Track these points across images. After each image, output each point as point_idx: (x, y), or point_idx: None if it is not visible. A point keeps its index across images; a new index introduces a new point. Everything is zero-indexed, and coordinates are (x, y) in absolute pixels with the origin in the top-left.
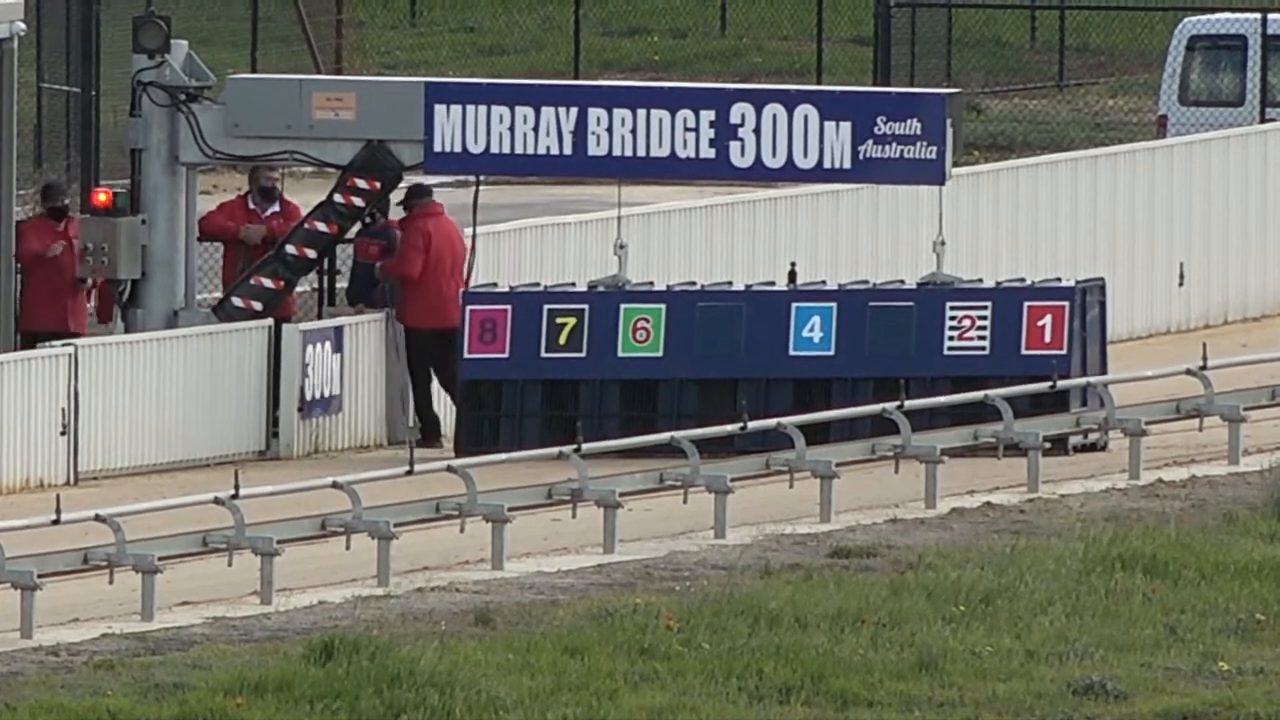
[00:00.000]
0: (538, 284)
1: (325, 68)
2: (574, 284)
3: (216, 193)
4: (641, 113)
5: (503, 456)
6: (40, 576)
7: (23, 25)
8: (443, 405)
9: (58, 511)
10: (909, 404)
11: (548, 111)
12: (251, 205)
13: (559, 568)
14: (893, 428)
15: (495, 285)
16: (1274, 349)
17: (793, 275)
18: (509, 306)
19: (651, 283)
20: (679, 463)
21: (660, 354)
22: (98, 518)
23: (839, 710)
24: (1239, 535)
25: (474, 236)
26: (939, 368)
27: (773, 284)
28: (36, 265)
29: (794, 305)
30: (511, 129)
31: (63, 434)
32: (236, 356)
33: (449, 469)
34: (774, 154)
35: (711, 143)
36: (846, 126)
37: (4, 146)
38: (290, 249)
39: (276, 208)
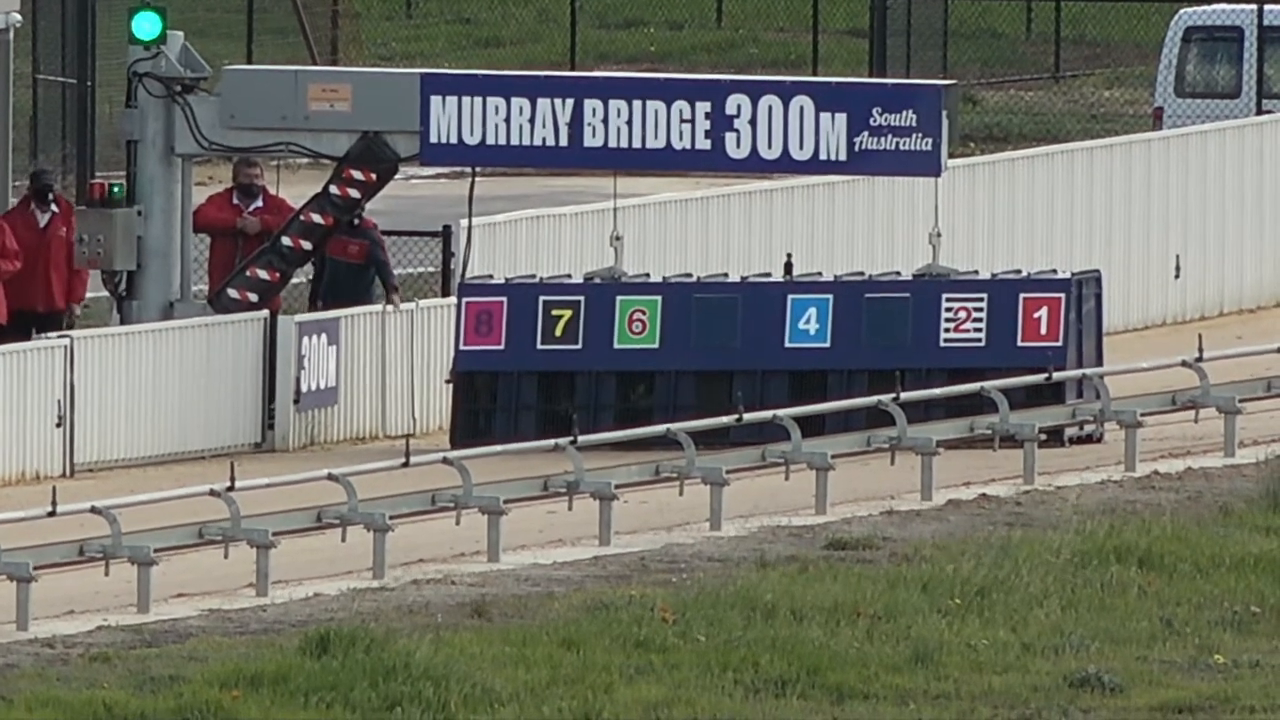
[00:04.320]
0: (533, 276)
1: (321, 59)
2: (570, 276)
3: (212, 184)
4: (637, 104)
5: (499, 449)
6: (36, 568)
7: (18, 16)
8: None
9: (53, 503)
10: (905, 396)
11: (543, 103)
12: (235, 201)
13: (555, 560)
14: (888, 420)
15: (491, 277)
16: (1270, 341)
17: (789, 267)
18: (504, 298)
19: (647, 274)
20: (675, 455)
21: (656, 345)
22: (94, 510)
23: (835, 703)
24: (1234, 528)
25: (469, 228)
26: (935, 360)
27: (769, 275)
28: None
29: (790, 297)
30: (507, 120)
31: (58, 426)
32: (232, 348)
33: (445, 461)
34: (770, 145)
35: (707, 134)
36: (842, 118)
37: (0, 138)
38: (286, 241)
39: (259, 203)
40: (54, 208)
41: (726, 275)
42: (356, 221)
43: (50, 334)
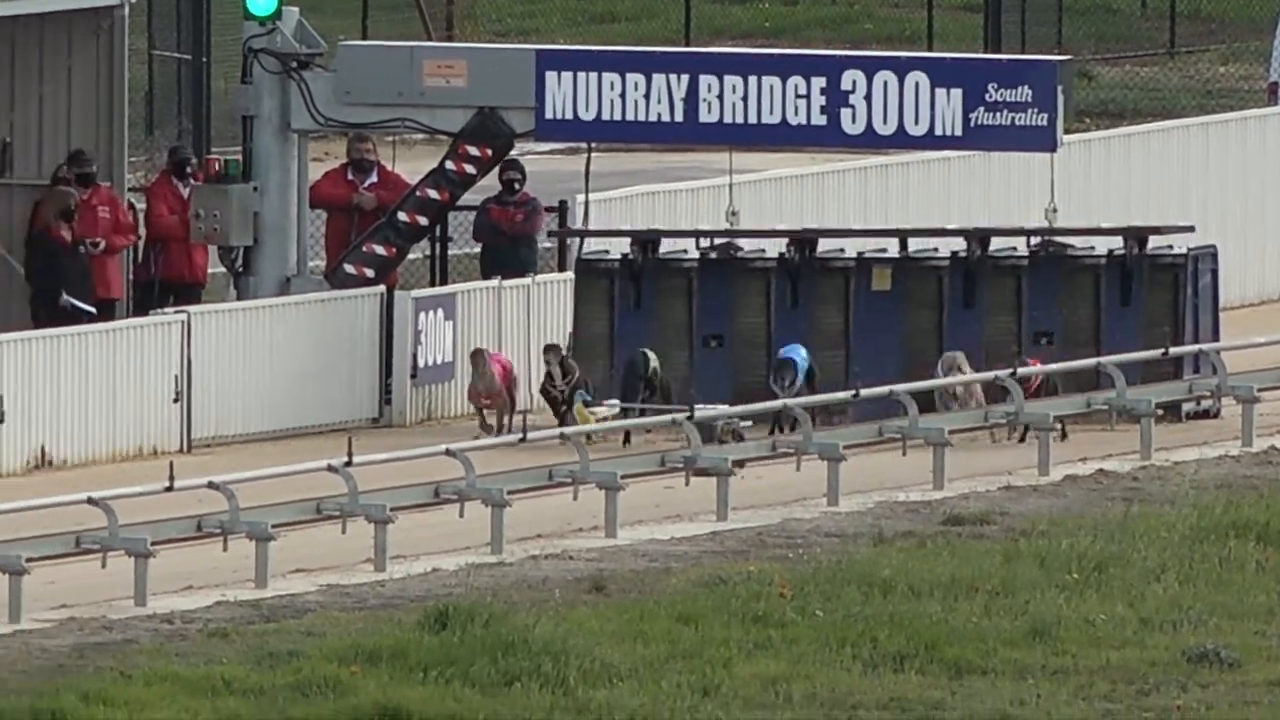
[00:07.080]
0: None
1: (436, 35)
2: (685, 251)
3: (328, 160)
4: (753, 79)
5: (616, 424)
6: (154, 544)
7: None
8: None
9: (171, 479)
10: (1021, 371)
11: (659, 78)
12: (350, 177)
13: (672, 535)
14: (1004, 394)
15: (607, 253)
16: None
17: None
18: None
19: (763, 250)
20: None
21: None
22: (211, 485)
23: (953, 678)
24: None
25: (586, 203)
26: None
27: (884, 251)
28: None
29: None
30: (622, 96)
31: (176, 401)
32: (349, 323)
33: (561, 437)
34: (885, 121)
35: (822, 109)
36: (958, 93)
37: (116, 114)
38: (402, 216)
39: (374, 179)
40: (193, 180)
41: (842, 251)
42: (516, 189)
43: (167, 309)
